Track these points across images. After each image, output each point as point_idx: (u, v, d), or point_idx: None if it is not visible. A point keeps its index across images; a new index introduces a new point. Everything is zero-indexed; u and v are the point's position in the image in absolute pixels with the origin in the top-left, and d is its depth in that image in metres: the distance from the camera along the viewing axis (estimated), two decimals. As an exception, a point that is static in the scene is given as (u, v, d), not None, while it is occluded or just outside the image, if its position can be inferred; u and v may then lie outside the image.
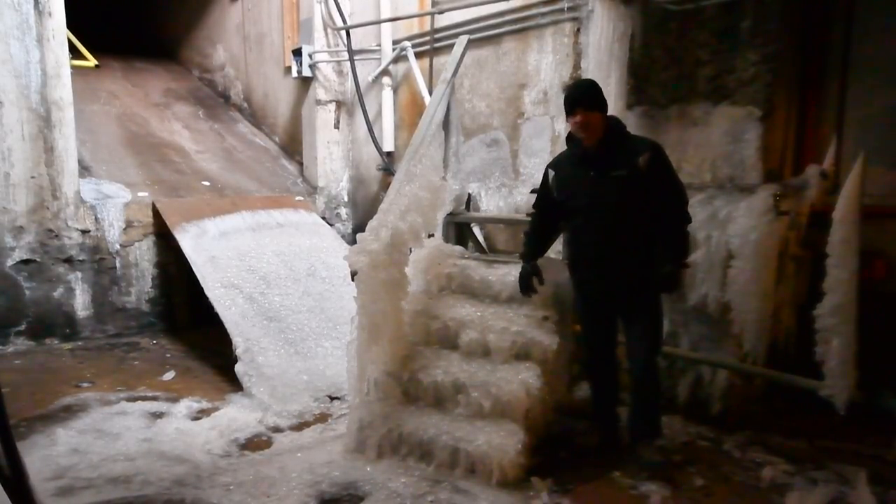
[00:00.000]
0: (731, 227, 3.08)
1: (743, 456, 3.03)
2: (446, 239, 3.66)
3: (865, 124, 3.19)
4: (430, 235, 3.36)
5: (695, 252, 3.20)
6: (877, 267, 2.99)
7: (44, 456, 2.78)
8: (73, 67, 4.70)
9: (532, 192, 3.99)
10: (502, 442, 2.67)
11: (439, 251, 3.40)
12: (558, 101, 3.98)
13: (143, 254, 4.84)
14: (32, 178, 4.42)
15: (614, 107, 3.53)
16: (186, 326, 4.96)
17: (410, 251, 3.15)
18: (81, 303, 4.62)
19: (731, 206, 3.09)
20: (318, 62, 5.47)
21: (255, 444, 3.07)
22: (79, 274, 4.59)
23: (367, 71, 5.31)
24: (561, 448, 3.07)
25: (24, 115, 4.34)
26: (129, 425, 3.16)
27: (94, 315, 4.68)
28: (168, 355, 4.42)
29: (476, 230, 4.49)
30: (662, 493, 2.70)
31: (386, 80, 5.18)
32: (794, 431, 3.20)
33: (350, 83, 5.54)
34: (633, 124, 3.54)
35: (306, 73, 5.46)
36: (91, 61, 6.74)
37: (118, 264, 4.74)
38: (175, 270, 4.91)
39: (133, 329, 4.83)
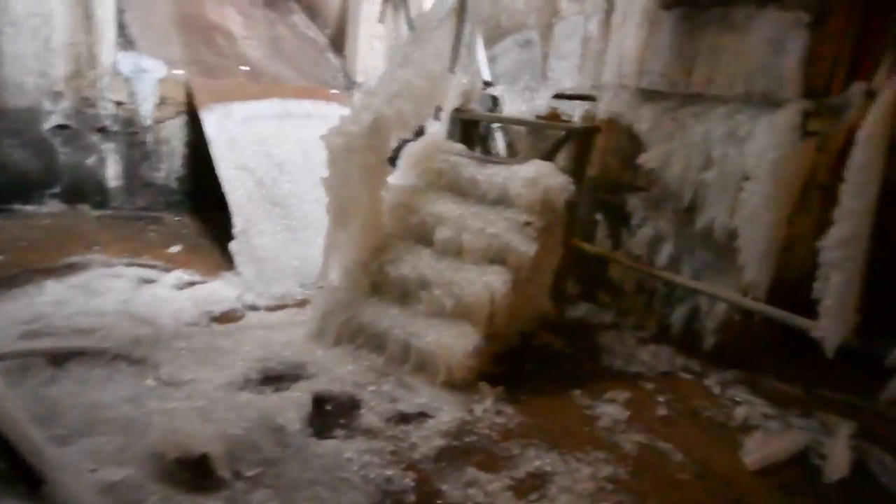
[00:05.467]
0: (749, 145, 2.73)
1: (723, 392, 2.84)
2: (450, 136, 3.47)
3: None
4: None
5: (708, 171, 2.89)
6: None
7: (28, 303, 2.94)
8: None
9: (555, 96, 3.71)
10: (452, 342, 2.58)
11: (435, 145, 3.22)
12: (595, -2, 3.60)
13: (175, 132, 4.90)
14: (71, 44, 4.48)
15: (646, 4, 3.15)
16: (212, 208, 5.02)
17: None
18: (113, 173, 4.77)
19: (754, 121, 2.72)
20: (364, -53, 5.19)
21: (225, 317, 3.12)
22: (111, 145, 4.71)
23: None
24: (529, 362, 2.95)
25: (64, -20, 4.36)
26: (117, 287, 3.27)
27: (125, 186, 4.83)
28: (185, 231, 4.56)
29: (499, 136, 4.27)
30: (618, 415, 2.56)
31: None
32: (790, 376, 2.94)
33: (400, -27, 5.24)
34: (668, 26, 3.17)
35: (353, -41, 5.20)
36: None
37: (150, 139, 4.82)
38: (206, 152, 4.95)
39: (161, 205, 4.97)
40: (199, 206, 5.04)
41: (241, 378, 2.50)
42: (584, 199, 3.42)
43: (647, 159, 3.16)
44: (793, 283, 2.89)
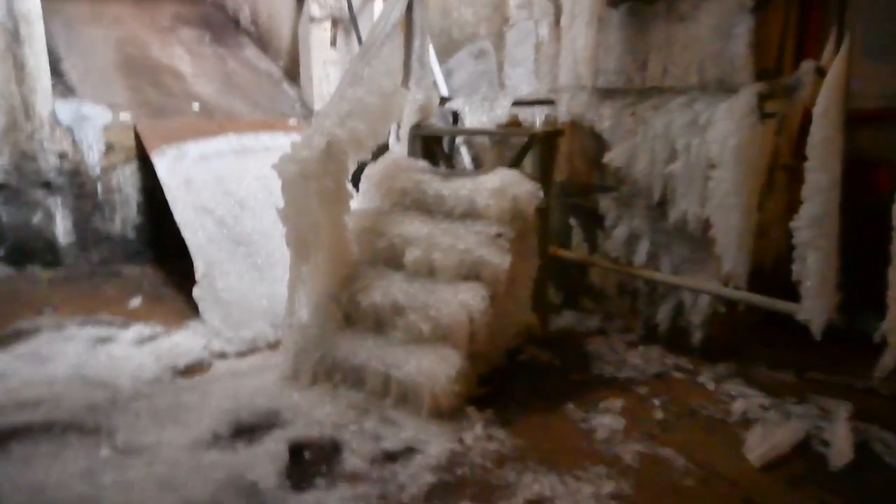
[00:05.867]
0: (710, 133, 2.67)
1: (718, 388, 2.76)
2: (412, 153, 3.36)
3: (872, 17, 2.67)
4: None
5: (674, 164, 2.82)
6: (881, 176, 2.54)
7: (-35, 381, 2.73)
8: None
9: (514, 104, 3.64)
10: (433, 368, 2.44)
11: (396, 164, 3.11)
12: (542, 2, 3.55)
13: (127, 179, 4.71)
14: (2, 97, 4.29)
15: (593, 2, 3.11)
16: (175, 254, 4.82)
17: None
18: (62, 229, 4.55)
19: (712, 109, 2.67)
20: (309, -27, 5.11)
21: (191, 370, 2.93)
22: (58, 199, 4.50)
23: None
24: (517, 379, 2.83)
25: (-9, 31, 4.18)
26: (68, 350, 3.04)
27: (77, 242, 4.61)
28: (146, 282, 4.34)
29: (463, 150, 4.18)
30: (614, 425, 2.45)
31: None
32: (781, 362, 2.88)
33: (346, -2, 5.17)
34: (616, 23, 3.12)
35: (298, -14, 5.12)
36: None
37: (100, 189, 4.62)
38: (163, 196, 4.77)
39: (119, 257, 4.75)
40: (161, 254, 4.83)
41: (208, 435, 2.32)
42: (556, 205, 3.34)
43: (612, 158, 3.10)
44: (771, 267, 2.84)
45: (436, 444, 2.29)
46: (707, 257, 2.89)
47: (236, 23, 6.97)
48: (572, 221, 3.58)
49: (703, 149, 2.70)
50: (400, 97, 3.03)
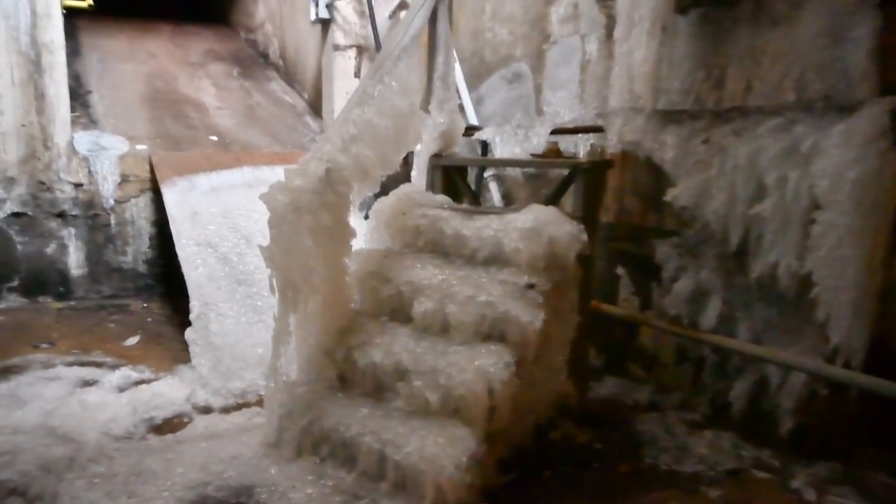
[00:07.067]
0: (816, 164, 2.09)
1: (822, 500, 2.08)
2: (430, 187, 2.90)
3: None
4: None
5: (761, 203, 2.25)
6: None
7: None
8: (65, 8, 4.37)
9: (554, 132, 3.15)
10: (438, 452, 1.90)
11: (410, 199, 2.65)
12: (591, 13, 3.07)
13: (140, 211, 4.46)
14: (23, 126, 4.14)
15: (656, 9, 2.62)
16: (184, 290, 4.55)
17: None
18: (75, 261, 4.32)
19: (820, 132, 2.10)
20: (335, 1, 4.83)
21: (168, 426, 2.53)
22: (72, 230, 4.30)
23: (388, 8, 4.61)
24: (547, 465, 2.25)
25: (14, 59, 4.06)
26: (47, 394, 2.73)
27: (89, 274, 4.38)
28: (149, 319, 4.03)
29: (493, 186, 3.70)
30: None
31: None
32: (905, 470, 2.18)
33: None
34: (685, 33, 2.61)
35: (323, 14, 4.85)
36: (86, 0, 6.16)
37: (113, 221, 4.39)
38: (174, 230, 4.51)
39: (129, 291, 4.48)
40: (171, 290, 4.54)
41: (164, 516, 1.87)
42: (600, 252, 2.79)
43: (676, 195, 2.54)
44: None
45: (436, 557, 1.75)
46: (802, 324, 2.27)
47: (265, 57, 6.85)
48: (619, 271, 3.01)
49: (804, 184, 2.12)
50: (417, 120, 2.58)
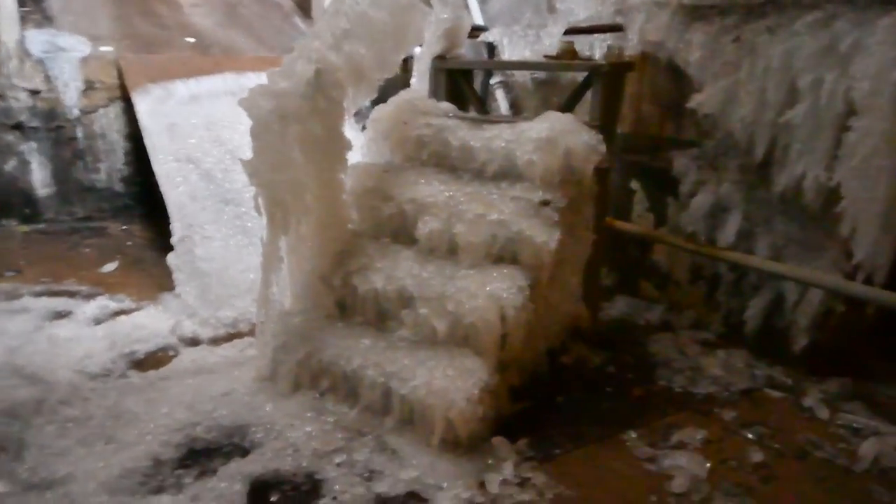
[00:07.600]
0: (857, 64, 1.89)
1: (833, 418, 2.05)
2: (433, 93, 2.64)
3: None
4: None
5: (792, 109, 2.05)
6: None
7: None
8: None
9: (567, 31, 2.86)
10: (447, 385, 1.79)
11: (412, 106, 2.40)
12: None
13: (111, 122, 4.11)
14: (-38, 25, 3.70)
15: None
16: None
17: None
18: (40, 179, 4.00)
19: (862, 28, 1.87)
20: None
21: (151, 361, 2.36)
22: (33, 144, 3.94)
23: None
24: (560, 391, 2.17)
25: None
26: (12, 328, 2.52)
27: (58, 194, 4.07)
28: (129, 243, 3.80)
29: (499, 94, 3.42)
30: (694, 470, 1.78)
31: None
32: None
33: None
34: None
35: None
36: None
37: (80, 134, 4.04)
38: (154, 144, 4.18)
39: (106, 212, 4.20)
40: (153, 210, 4.26)
41: (146, 461, 1.76)
42: (614, 164, 2.60)
43: (702, 101, 2.32)
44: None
45: (449, 490, 1.68)
46: (824, 239, 2.14)
47: (249, -54, 6.21)
48: (634, 185, 2.83)
49: (841, 87, 1.92)
50: (418, 14, 2.28)
